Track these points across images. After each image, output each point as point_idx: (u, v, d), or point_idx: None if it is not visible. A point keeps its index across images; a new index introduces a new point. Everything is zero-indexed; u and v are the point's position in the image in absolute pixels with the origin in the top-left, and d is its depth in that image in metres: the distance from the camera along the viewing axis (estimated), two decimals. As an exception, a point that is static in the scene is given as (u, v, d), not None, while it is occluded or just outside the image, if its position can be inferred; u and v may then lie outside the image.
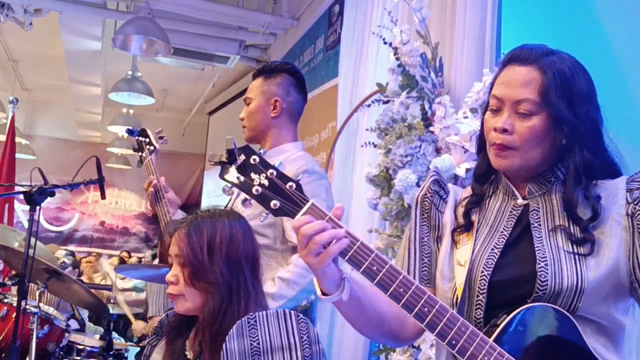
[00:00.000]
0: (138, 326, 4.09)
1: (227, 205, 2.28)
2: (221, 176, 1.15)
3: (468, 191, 1.34)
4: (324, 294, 1.15)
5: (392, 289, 1.10)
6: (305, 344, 1.36)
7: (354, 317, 1.23)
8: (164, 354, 1.59)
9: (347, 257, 1.11)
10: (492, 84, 1.27)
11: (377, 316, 1.25)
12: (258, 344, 1.36)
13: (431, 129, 2.27)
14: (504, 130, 1.19)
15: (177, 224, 1.57)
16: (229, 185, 1.16)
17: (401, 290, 1.10)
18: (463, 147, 2.15)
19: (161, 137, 2.47)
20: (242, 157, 1.14)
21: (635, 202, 1.17)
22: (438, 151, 2.27)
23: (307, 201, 1.13)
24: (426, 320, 1.10)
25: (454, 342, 1.09)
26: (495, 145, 1.21)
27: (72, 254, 6.71)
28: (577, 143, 1.18)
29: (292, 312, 1.40)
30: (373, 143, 2.50)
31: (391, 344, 1.50)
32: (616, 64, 2.14)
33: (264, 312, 1.40)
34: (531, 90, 1.18)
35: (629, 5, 2.18)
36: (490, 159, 1.24)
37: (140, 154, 2.44)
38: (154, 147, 2.42)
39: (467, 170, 2.12)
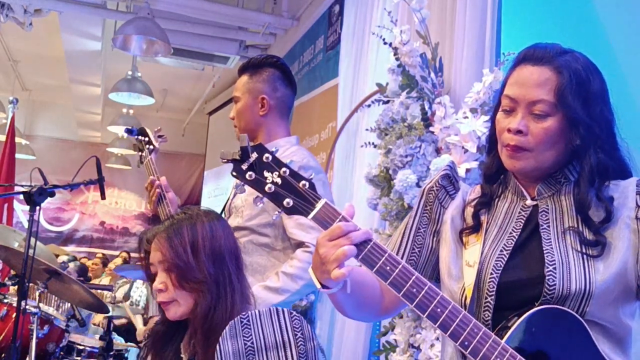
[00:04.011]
0: (141, 332, 4.10)
1: (225, 205, 2.27)
2: (233, 174, 1.15)
3: (476, 191, 1.33)
4: (323, 287, 1.16)
5: (405, 289, 1.11)
6: (299, 341, 1.36)
7: (346, 306, 1.25)
8: None
9: (360, 256, 1.12)
10: (503, 84, 1.26)
11: (363, 300, 1.27)
12: (252, 343, 1.36)
13: (431, 129, 2.27)
14: (518, 132, 1.18)
15: (154, 230, 1.56)
16: (241, 183, 1.15)
17: (414, 290, 1.11)
18: (463, 147, 2.15)
19: (160, 136, 2.45)
20: (255, 155, 1.14)
21: None
22: (438, 151, 2.27)
23: (321, 200, 1.13)
24: (439, 321, 1.10)
25: (466, 342, 1.09)
26: (509, 146, 1.19)
27: (75, 258, 6.70)
28: (592, 144, 1.17)
29: (286, 310, 1.40)
30: (373, 143, 2.50)
31: (374, 320, 1.52)
32: (616, 64, 2.13)
33: (257, 311, 1.40)
34: (547, 91, 1.16)
35: (629, 5, 2.18)
36: (502, 160, 1.23)
37: (140, 153, 2.43)
38: (154, 146, 2.41)
39: (467, 170, 2.12)
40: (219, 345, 1.36)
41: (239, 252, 1.61)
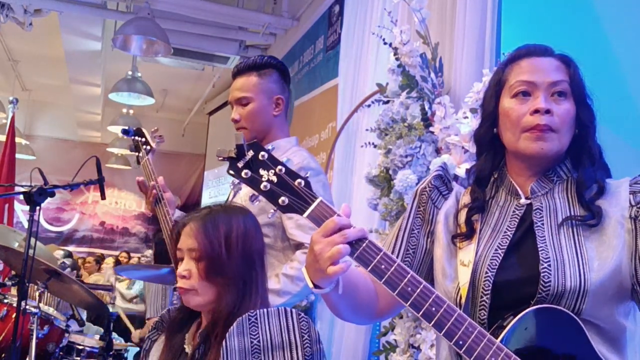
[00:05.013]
0: (136, 334, 4.09)
1: (225, 203, 2.27)
2: (229, 172, 1.15)
3: (469, 193, 1.33)
4: (316, 286, 1.15)
5: (400, 287, 1.10)
6: (306, 343, 1.36)
7: (341, 308, 1.25)
8: (162, 349, 1.57)
9: (355, 255, 1.11)
10: (500, 79, 1.28)
11: (358, 302, 1.27)
12: (258, 342, 1.35)
13: (431, 129, 2.27)
14: (547, 111, 1.19)
15: (190, 218, 1.54)
16: (237, 181, 1.15)
17: (409, 289, 1.10)
18: (463, 147, 2.15)
19: (157, 136, 2.43)
20: (251, 153, 1.14)
21: (639, 205, 1.18)
22: (438, 151, 2.27)
23: (316, 198, 1.13)
24: (434, 320, 1.10)
25: (461, 342, 1.08)
26: (539, 127, 1.19)
27: (70, 254, 6.70)
28: (592, 130, 1.23)
29: (294, 310, 1.39)
30: (373, 143, 2.50)
31: (369, 322, 1.52)
32: (616, 64, 2.14)
33: (265, 310, 1.38)
34: (563, 75, 1.22)
35: (629, 5, 2.18)
36: (522, 147, 1.22)
37: (136, 154, 2.42)
38: (151, 146, 2.39)
39: (467, 170, 2.12)
40: (225, 341, 1.35)
41: (265, 254, 1.58)
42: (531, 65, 1.23)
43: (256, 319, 1.37)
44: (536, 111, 1.19)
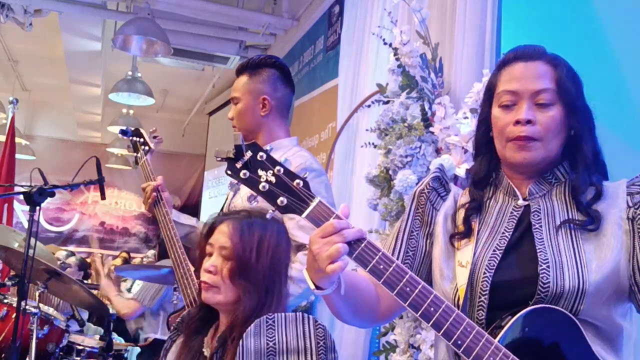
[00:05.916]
0: (118, 304, 3.76)
1: (224, 204, 2.27)
2: (227, 172, 1.15)
3: (467, 194, 1.34)
4: (317, 287, 1.15)
5: (398, 287, 1.11)
6: (320, 350, 1.37)
7: (342, 310, 1.25)
8: (179, 350, 1.57)
9: (354, 255, 1.11)
10: (491, 85, 1.28)
11: (359, 305, 1.27)
12: (274, 344, 1.36)
13: (431, 129, 2.27)
14: (528, 122, 1.19)
15: (227, 216, 1.56)
16: (236, 181, 1.16)
17: (407, 289, 1.11)
18: (463, 148, 2.15)
19: (155, 137, 2.44)
20: (249, 154, 1.14)
21: (636, 206, 1.19)
22: (438, 152, 2.27)
23: (315, 198, 1.13)
24: (432, 320, 1.10)
25: (459, 342, 1.09)
26: (519, 138, 1.20)
27: (73, 254, 6.69)
28: (586, 131, 1.22)
29: (311, 317, 1.41)
30: (373, 143, 2.50)
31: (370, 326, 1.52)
32: (616, 64, 2.14)
33: (283, 314, 1.40)
34: (548, 81, 1.21)
35: (629, 5, 2.18)
36: (507, 156, 1.23)
37: (135, 154, 2.42)
38: (149, 147, 2.39)
39: (467, 170, 2.12)
40: (242, 341, 1.36)
41: (288, 265, 1.61)
42: (517, 72, 1.23)
43: (274, 322, 1.39)
44: (518, 122, 1.20)
